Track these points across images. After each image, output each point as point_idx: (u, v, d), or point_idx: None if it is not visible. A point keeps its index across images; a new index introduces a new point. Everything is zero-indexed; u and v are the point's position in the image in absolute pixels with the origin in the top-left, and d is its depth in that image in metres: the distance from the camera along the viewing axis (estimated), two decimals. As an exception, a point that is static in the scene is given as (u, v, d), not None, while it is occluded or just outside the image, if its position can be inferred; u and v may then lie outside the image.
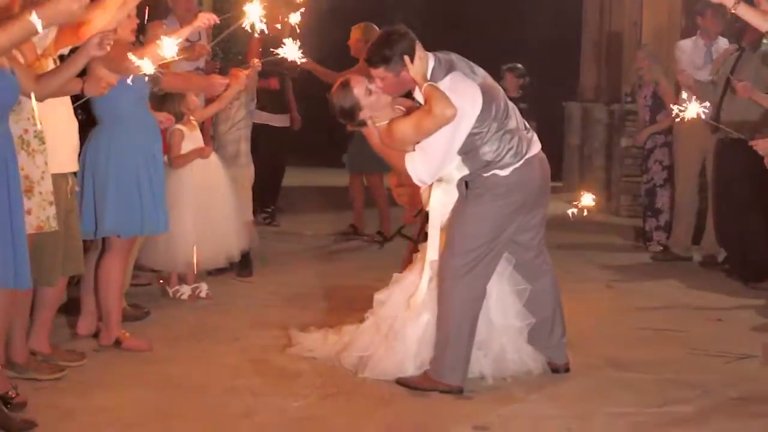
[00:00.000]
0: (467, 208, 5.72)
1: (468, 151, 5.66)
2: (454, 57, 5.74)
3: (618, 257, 10.00)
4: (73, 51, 5.64)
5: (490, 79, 5.81)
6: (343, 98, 5.84)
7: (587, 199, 6.43)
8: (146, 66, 5.27)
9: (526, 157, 5.73)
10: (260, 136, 9.31)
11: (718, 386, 5.99)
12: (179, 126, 7.57)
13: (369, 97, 5.79)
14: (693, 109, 6.68)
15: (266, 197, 11.10)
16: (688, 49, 9.83)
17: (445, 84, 5.57)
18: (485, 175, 5.68)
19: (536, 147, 5.85)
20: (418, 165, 5.64)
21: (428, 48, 5.69)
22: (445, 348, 5.69)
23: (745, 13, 5.99)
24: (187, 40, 8.43)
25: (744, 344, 6.89)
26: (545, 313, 6.06)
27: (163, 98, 7.39)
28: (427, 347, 5.81)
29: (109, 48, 5.21)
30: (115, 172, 6.21)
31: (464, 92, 5.57)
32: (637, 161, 11.11)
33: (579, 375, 6.07)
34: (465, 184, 5.73)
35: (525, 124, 5.86)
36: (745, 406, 5.70)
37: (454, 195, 5.80)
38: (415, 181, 5.73)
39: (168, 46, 5.35)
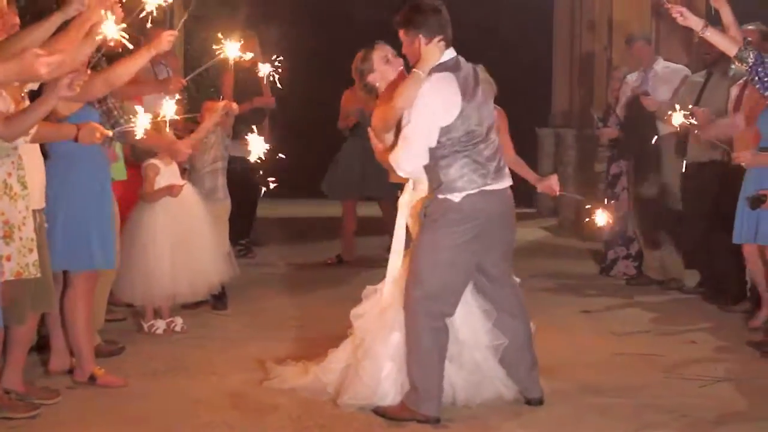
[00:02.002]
0: (424, 236, 5.72)
1: (430, 160, 5.67)
2: (471, 70, 5.78)
3: (592, 282, 10.03)
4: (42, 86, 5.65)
5: (486, 109, 5.79)
6: (364, 56, 6.01)
7: (602, 217, 6.48)
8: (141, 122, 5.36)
9: (485, 188, 5.69)
10: (233, 167, 9.29)
11: (694, 410, 6.00)
12: (154, 160, 7.55)
13: (385, 64, 5.94)
14: (678, 118, 6.79)
15: (240, 229, 11.07)
16: (632, 80, 9.98)
17: (431, 78, 5.63)
18: (440, 197, 5.67)
19: (503, 182, 5.82)
20: (399, 154, 5.67)
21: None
22: (417, 378, 5.68)
23: (714, 36, 6.04)
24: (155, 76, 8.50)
25: (719, 367, 6.92)
26: (515, 347, 6.00)
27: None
28: (402, 367, 5.80)
29: (78, 89, 5.24)
30: (63, 205, 6.13)
31: (442, 93, 5.60)
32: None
33: (555, 402, 6.06)
34: (424, 212, 5.74)
35: (500, 160, 5.83)
36: (722, 429, 5.71)
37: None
38: (398, 171, 5.74)
39: (168, 107, 5.52)
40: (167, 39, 6.22)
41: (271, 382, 6.32)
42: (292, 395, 6.10)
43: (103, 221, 6.32)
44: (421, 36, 5.69)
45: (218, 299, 8.45)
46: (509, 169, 6.00)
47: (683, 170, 9.29)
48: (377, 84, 6.00)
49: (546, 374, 6.21)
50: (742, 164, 7.09)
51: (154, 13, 5.86)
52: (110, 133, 6.19)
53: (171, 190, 7.54)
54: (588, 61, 13.62)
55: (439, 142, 5.63)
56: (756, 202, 6.95)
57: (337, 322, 6.89)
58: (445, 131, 5.62)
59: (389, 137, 5.88)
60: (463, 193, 5.65)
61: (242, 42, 10.54)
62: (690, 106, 8.47)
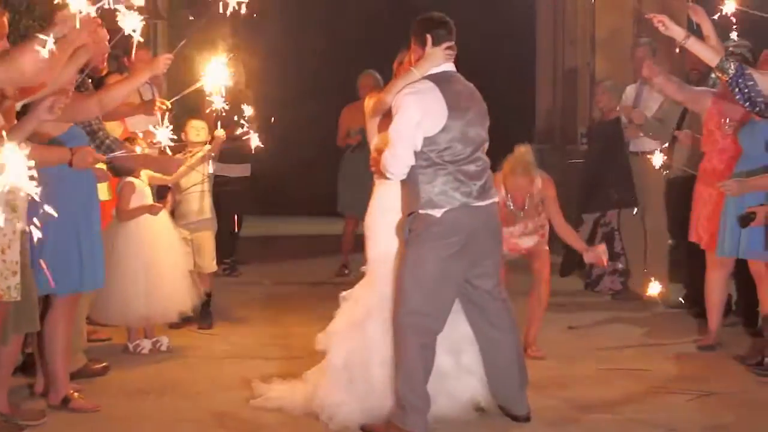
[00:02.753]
0: (409, 252, 5.72)
1: (411, 174, 5.69)
2: (468, 89, 5.87)
3: (577, 298, 10.02)
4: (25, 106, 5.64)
5: (475, 130, 5.79)
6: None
7: (655, 288, 6.61)
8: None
9: (469, 203, 5.69)
10: (217, 186, 9.29)
11: (681, 424, 6.01)
12: (131, 179, 7.54)
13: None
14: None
15: (225, 248, 11.06)
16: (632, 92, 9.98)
17: (418, 84, 5.68)
18: (421, 212, 5.67)
19: (489, 199, 5.82)
20: (385, 157, 5.69)
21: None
22: (403, 394, 5.66)
23: (695, 46, 6.05)
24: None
25: (705, 381, 6.93)
26: (503, 362, 6.00)
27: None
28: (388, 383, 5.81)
29: (60, 112, 5.23)
30: (51, 228, 5.95)
31: (425, 102, 5.63)
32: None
33: (543, 418, 6.06)
34: (407, 228, 5.75)
35: (487, 180, 5.81)
36: (709, 443, 5.73)
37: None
38: (387, 174, 5.75)
39: (162, 135, 5.54)
40: (164, 62, 6.23)
41: (257, 401, 6.30)
42: (279, 414, 6.08)
43: (92, 242, 6.28)
44: (429, 37, 5.77)
45: (203, 318, 8.42)
46: (563, 235, 6.74)
47: (666, 184, 9.37)
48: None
49: (533, 390, 6.21)
50: (727, 193, 7.12)
51: (138, 37, 5.88)
52: (104, 157, 6.19)
53: (151, 209, 7.53)
54: (571, 76, 13.64)
55: (422, 151, 5.63)
56: (745, 220, 6.96)
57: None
58: (428, 142, 5.63)
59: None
60: (444, 209, 5.65)
61: (229, 65, 10.66)
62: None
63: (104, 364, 7.10)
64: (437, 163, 5.64)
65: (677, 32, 5.95)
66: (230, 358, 7.54)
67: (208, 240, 8.40)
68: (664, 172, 9.32)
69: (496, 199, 5.92)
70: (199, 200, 8.34)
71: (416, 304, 5.65)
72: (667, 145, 9.32)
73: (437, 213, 5.64)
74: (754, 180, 6.95)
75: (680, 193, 8.96)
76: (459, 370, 6.00)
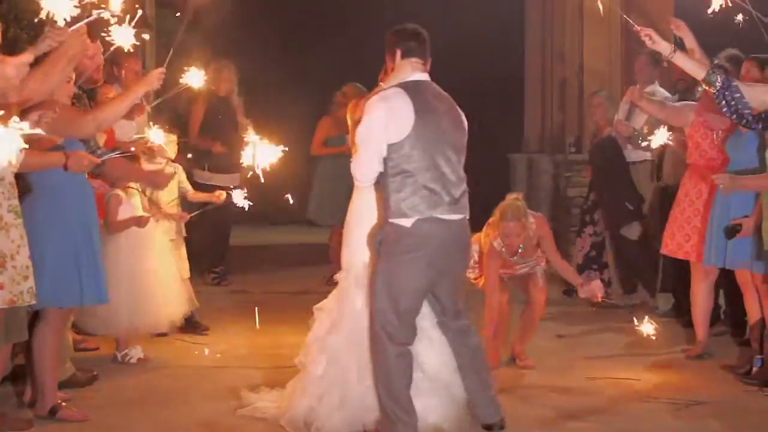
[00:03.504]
0: (380, 266, 5.69)
1: (381, 181, 5.70)
2: (442, 97, 5.84)
3: (566, 307, 10.02)
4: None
5: (447, 139, 5.74)
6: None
7: (648, 328, 6.68)
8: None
9: (439, 216, 5.64)
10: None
11: (670, 433, 6.03)
12: (117, 191, 7.52)
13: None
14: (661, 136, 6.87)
15: (214, 257, 11.06)
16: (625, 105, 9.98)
17: (386, 91, 5.71)
18: (390, 221, 5.65)
19: (460, 213, 5.76)
20: (353, 163, 5.74)
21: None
22: (388, 405, 5.63)
23: (681, 60, 6.06)
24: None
25: (694, 390, 6.95)
26: (472, 374, 5.94)
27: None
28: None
29: (46, 126, 5.24)
30: (50, 240, 6.03)
31: (390, 107, 5.62)
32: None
33: (531, 427, 6.06)
34: (378, 240, 5.74)
35: (461, 195, 5.76)
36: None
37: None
38: (355, 180, 5.79)
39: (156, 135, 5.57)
40: (158, 77, 6.22)
41: (245, 410, 6.29)
42: (266, 424, 6.07)
43: (93, 255, 6.24)
44: (398, 51, 5.78)
45: (192, 327, 8.41)
46: (559, 271, 6.94)
47: (657, 193, 9.39)
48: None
49: (521, 399, 6.22)
50: (720, 187, 7.08)
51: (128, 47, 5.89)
52: (99, 160, 6.19)
53: (139, 221, 7.52)
54: (560, 86, 13.68)
55: (390, 157, 5.61)
56: (731, 232, 6.97)
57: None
58: (395, 148, 5.59)
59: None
60: (413, 218, 5.61)
61: (217, 71, 10.67)
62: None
63: (93, 373, 7.09)
64: (405, 171, 5.59)
65: (664, 46, 5.96)
66: (218, 368, 7.53)
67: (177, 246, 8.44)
68: (655, 181, 9.34)
69: (466, 215, 5.81)
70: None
71: (390, 317, 5.63)
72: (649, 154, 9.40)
73: (407, 223, 5.60)
74: (745, 179, 6.94)
75: (668, 201, 8.98)
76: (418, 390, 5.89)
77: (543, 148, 14.02)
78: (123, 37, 5.85)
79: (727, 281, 8.02)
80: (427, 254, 5.62)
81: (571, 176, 12.57)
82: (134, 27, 5.94)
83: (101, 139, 7.55)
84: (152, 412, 6.41)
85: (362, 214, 5.99)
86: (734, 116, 5.96)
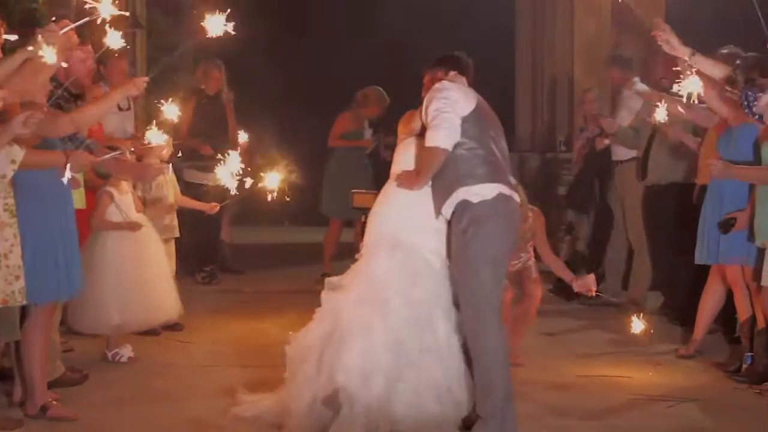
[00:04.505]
0: (461, 253, 5.71)
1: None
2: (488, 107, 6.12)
3: (556, 305, 10.04)
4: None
5: (495, 135, 5.98)
6: None
7: (638, 325, 6.88)
8: None
9: (501, 191, 5.77)
10: (195, 194, 9.28)
11: (660, 431, 6.02)
12: (109, 188, 7.51)
13: None
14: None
15: (205, 256, 11.04)
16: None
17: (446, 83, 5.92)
18: (464, 199, 5.70)
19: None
20: (433, 134, 5.73)
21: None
22: (487, 396, 5.63)
23: (701, 63, 6.07)
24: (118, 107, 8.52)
25: (685, 387, 6.96)
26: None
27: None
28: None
29: (34, 127, 5.24)
30: (29, 238, 5.94)
31: (460, 87, 5.97)
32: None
33: (522, 424, 6.04)
34: (447, 224, 5.78)
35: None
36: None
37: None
38: (437, 147, 5.73)
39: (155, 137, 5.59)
40: (140, 85, 6.21)
41: (237, 408, 6.22)
42: (257, 422, 6.04)
43: (69, 251, 6.21)
44: (440, 71, 6.05)
45: (169, 326, 8.41)
46: (550, 265, 7.09)
47: (644, 192, 9.39)
48: None
49: (513, 397, 6.20)
50: (712, 171, 7.06)
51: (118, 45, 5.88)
52: (99, 160, 6.19)
53: (132, 227, 7.52)
54: (551, 84, 13.70)
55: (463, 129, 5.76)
56: (726, 225, 6.98)
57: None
58: (464, 120, 5.76)
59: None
60: (492, 185, 5.75)
61: (206, 70, 10.68)
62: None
63: (83, 372, 7.07)
64: (473, 145, 5.80)
65: (683, 51, 5.97)
66: (209, 367, 7.51)
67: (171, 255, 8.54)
68: (643, 181, 9.35)
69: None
70: (170, 216, 8.55)
71: (490, 287, 5.67)
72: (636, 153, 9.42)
73: (491, 192, 5.72)
74: (739, 168, 6.95)
75: (657, 200, 9.00)
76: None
77: (534, 146, 14.04)
78: (112, 38, 5.83)
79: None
80: (502, 224, 5.76)
81: (562, 175, 12.57)
82: (126, 26, 5.94)
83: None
84: (142, 411, 6.40)
85: (394, 194, 6.01)
86: (757, 116, 5.97)
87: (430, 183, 5.87)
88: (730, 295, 7.75)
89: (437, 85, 5.91)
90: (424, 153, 5.85)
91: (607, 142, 9.77)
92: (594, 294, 7.15)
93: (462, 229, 5.69)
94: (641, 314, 7.60)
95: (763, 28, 5.74)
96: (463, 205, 5.72)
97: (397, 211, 5.97)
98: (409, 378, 5.68)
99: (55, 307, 6.39)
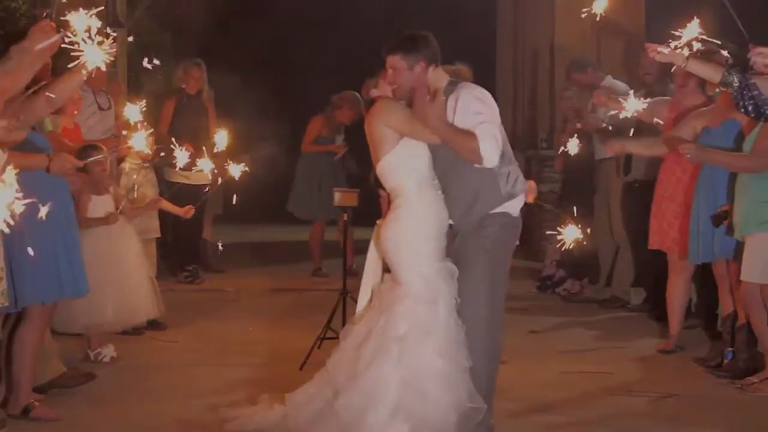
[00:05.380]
0: (491, 255, 5.62)
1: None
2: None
3: (538, 302, 10.07)
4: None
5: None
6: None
7: (572, 232, 6.46)
8: None
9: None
10: (177, 194, 9.25)
11: (642, 426, 6.06)
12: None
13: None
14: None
15: (187, 255, 11.02)
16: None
17: (473, 86, 5.78)
18: (503, 210, 5.65)
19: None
20: (484, 146, 5.56)
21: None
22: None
23: (697, 66, 6.09)
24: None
25: (666, 383, 7.00)
26: None
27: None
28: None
29: (12, 135, 5.25)
30: (31, 238, 6.00)
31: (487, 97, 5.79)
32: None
33: (505, 421, 6.06)
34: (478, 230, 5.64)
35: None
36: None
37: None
38: (486, 164, 5.58)
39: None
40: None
41: (231, 424, 5.92)
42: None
43: (72, 250, 6.22)
44: (422, 61, 5.65)
45: (153, 325, 8.41)
46: None
47: (625, 189, 9.42)
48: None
49: (496, 393, 6.21)
50: (686, 156, 7.07)
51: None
52: (82, 163, 6.18)
53: (107, 219, 7.52)
54: (531, 84, 13.72)
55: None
56: (718, 219, 6.97)
57: (283, 344, 6.84)
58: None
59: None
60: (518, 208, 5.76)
61: (186, 69, 10.67)
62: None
63: (88, 372, 6.93)
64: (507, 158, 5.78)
65: (676, 57, 5.99)
66: (191, 365, 7.51)
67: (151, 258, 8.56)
68: (623, 176, 9.38)
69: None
70: (146, 219, 8.51)
71: (500, 310, 5.72)
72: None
73: (515, 210, 5.72)
74: (714, 152, 6.98)
75: (637, 196, 9.02)
76: None
77: (515, 143, 14.04)
78: (92, 56, 5.67)
79: (699, 275, 8.07)
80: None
81: (544, 172, 12.59)
82: (107, 26, 5.89)
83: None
84: (126, 410, 6.39)
85: (413, 228, 5.62)
86: (754, 114, 5.98)
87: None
88: (711, 291, 7.80)
89: (477, 90, 5.76)
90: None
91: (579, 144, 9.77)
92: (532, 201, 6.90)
93: (494, 235, 5.64)
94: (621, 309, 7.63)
95: (741, 31, 5.77)
96: (503, 216, 5.69)
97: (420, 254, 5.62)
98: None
99: (53, 308, 6.37)
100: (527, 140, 13.70)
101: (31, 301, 6.09)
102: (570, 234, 6.27)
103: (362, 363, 5.46)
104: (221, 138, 8.18)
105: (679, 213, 7.71)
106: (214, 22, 13.55)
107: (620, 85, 9.73)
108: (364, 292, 5.80)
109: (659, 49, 6.00)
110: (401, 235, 5.59)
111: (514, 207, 5.70)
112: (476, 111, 5.62)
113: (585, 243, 6.44)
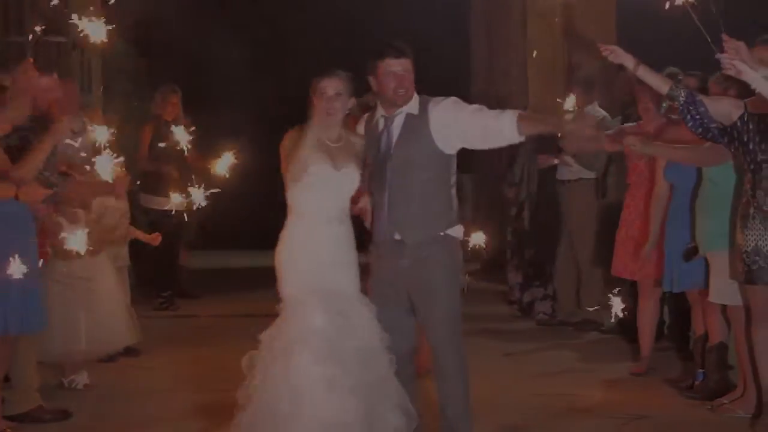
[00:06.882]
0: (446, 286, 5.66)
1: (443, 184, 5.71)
2: None
3: (511, 324, 10.10)
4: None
5: None
6: None
7: (478, 237, 6.51)
8: None
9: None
10: (152, 220, 9.26)
11: (614, 448, 6.10)
12: (59, 218, 7.46)
13: None
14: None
15: (163, 281, 11.01)
16: None
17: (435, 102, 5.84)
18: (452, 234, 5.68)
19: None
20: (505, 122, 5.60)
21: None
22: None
23: (646, 74, 6.13)
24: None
25: (638, 404, 7.04)
26: None
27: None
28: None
29: None
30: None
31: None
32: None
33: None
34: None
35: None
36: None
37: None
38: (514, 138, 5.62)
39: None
40: (64, 129, 6.20)
41: None
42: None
43: (29, 283, 6.13)
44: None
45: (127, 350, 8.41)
46: None
47: (601, 211, 9.47)
48: None
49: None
50: (632, 148, 7.09)
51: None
52: (51, 191, 6.16)
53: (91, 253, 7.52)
54: (504, 100, 13.74)
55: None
56: (689, 254, 6.99)
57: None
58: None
59: None
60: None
61: (163, 95, 10.70)
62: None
63: (64, 409, 6.91)
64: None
65: (627, 60, 6.03)
66: (166, 392, 7.52)
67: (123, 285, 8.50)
68: (600, 198, 9.43)
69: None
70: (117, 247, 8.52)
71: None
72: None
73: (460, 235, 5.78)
74: (658, 145, 7.03)
75: (615, 218, 9.05)
76: None
77: (492, 169, 14.07)
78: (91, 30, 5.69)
79: (671, 298, 8.13)
80: None
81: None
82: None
83: None
84: (102, 437, 6.41)
85: (299, 245, 5.75)
86: (699, 130, 6.01)
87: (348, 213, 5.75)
88: (682, 313, 7.86)
89: (439, 101, 5.86)
90: None
91: (556, 161, 9.82)
92: None
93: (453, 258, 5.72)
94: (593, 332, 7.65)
95: (710, 46, 5.82)
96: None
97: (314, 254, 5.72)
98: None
99: (16, 339, 6.32)
100: (500, 161, 13.69)
101: (19, 331, 6.08)
102: (477, 239, 6.50)
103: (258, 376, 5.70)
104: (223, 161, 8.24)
105: (642, 239, 7.75)
106: (191, 48, 13.60)
107: (600, 114, 9.70)
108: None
109: (615, 49, 6.04)
110: (282, 253, 5.78)
111: (459, 231, 5.75)
112: (473, 108, 5.74)
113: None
